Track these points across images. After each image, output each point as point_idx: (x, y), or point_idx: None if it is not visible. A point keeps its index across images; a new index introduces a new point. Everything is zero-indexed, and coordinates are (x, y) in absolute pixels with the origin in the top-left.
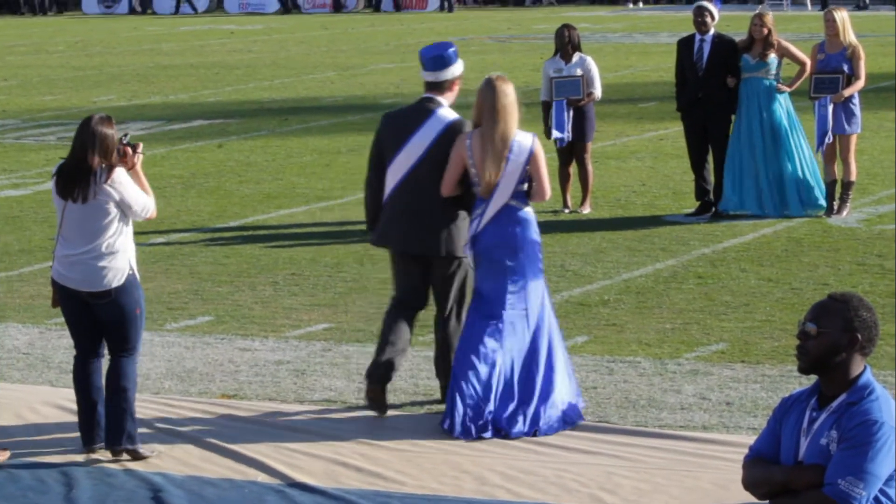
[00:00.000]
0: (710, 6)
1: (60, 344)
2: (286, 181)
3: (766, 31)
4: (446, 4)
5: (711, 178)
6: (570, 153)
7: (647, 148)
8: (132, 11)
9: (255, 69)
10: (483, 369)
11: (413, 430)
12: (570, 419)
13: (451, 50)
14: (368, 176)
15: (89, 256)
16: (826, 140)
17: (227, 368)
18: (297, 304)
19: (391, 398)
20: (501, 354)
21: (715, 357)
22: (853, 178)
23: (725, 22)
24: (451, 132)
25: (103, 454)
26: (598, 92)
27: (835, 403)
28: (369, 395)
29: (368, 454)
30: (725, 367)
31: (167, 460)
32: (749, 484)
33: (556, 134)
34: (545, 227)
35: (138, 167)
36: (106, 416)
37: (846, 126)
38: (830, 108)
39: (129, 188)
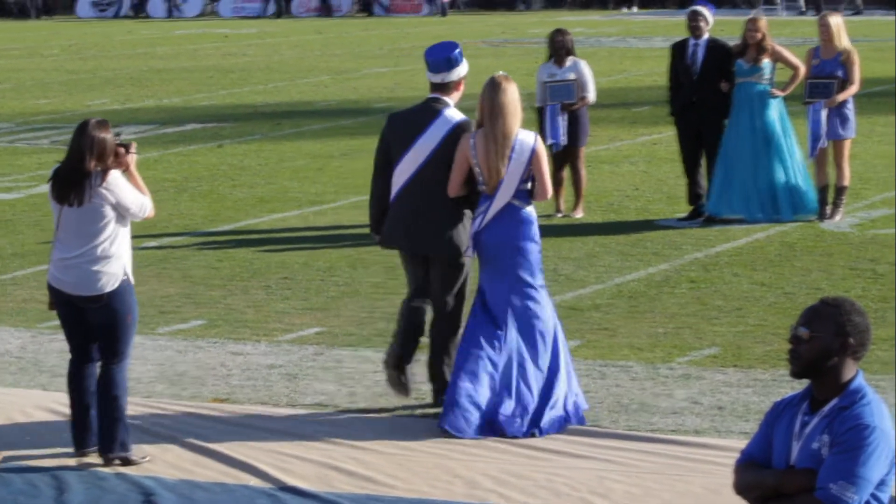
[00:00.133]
0: (705, 11)
1: (52, 348)
2: (279, 185)
3: (759, 35)
4: (437, 8)
5: (705, 182)
6: (564, 157)
7: (640, 152)
8: (116, 15)
9: (248, 73)
10: (483, 368)
11: (405, 433)
12: (571, 421)
13: (457, 51)
14: (374, 177)
15: (83, 260)
16: (820, 145)
17: (219, 372)
18: (290, 307)
19: (382, 402)
20: (503, 354)
21: (707, 361)
22: (846, 182)
23: (719, 26)
24: (458, 132)
25: (95, 458)
26: (591, 96)
27: (827, 408)
28: (388, 380)
29: (360, 458)
30: (717, 371)
31: (159, 464)
32: (740, 488)
33: (549, 139)
34: None
35: (133, 167)
36: (98, 425)
37: (840, 131)
38: (824, 112)
39: (124, 189)
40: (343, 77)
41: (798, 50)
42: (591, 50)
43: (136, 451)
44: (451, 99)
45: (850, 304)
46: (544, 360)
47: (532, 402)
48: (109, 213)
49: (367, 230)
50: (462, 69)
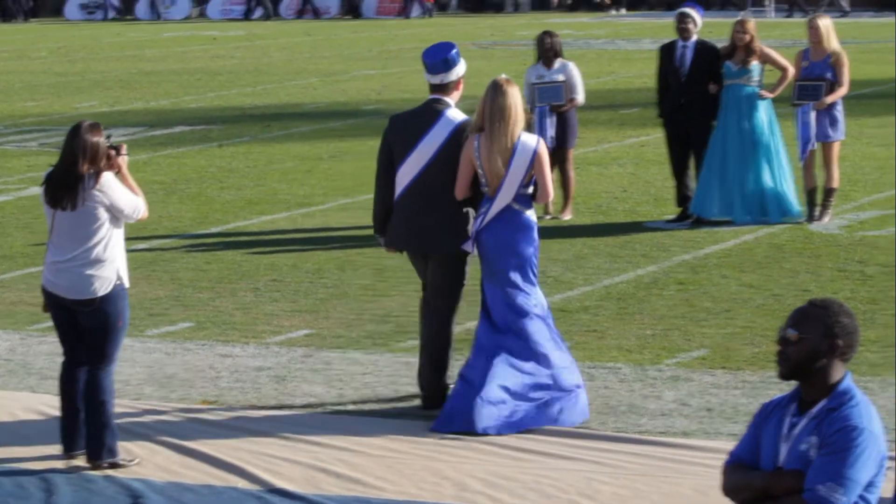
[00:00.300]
0: (693, 12)
1: (41, 350)
2: (268, 187)
3: (748, 37)
4: (412, 10)
5: (693, 184)
6: (552, 159)
7: (628, 154)
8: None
9: (237, 75)
10: (483, 368)
11: (393, 435)
12: (569, 417)
13: (454, 51)
14: (377, 179)
15: (77, 264)
16: (809, 147)
17: (208, 374)
18: (278, 310)
19: (371, 404)
20: (504, 354)
21: (695, 363)
22: (835, 184)
23: (707, 28)
24: (460, 133)
25: (83, 460)
26: (580, 97)
27: (815, 409)
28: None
29: (348, 460)
30: (706, 373)
31: (147, 466)
32: (729, 489)
33: None
34: None
35: (125, 169)
36: (86, 430)
37: (830, 132)
38: (813, 114)
39: (118, 191)
40: (332, 79)
41: (787, 52)
42: (579, 52)
43: (125, 453)
44: (452, 99)
45: (839, 305)
46: (543, 360)
47: (532, 401)
48: (103, 215)
49: (355, 232)
50: (460, 69)
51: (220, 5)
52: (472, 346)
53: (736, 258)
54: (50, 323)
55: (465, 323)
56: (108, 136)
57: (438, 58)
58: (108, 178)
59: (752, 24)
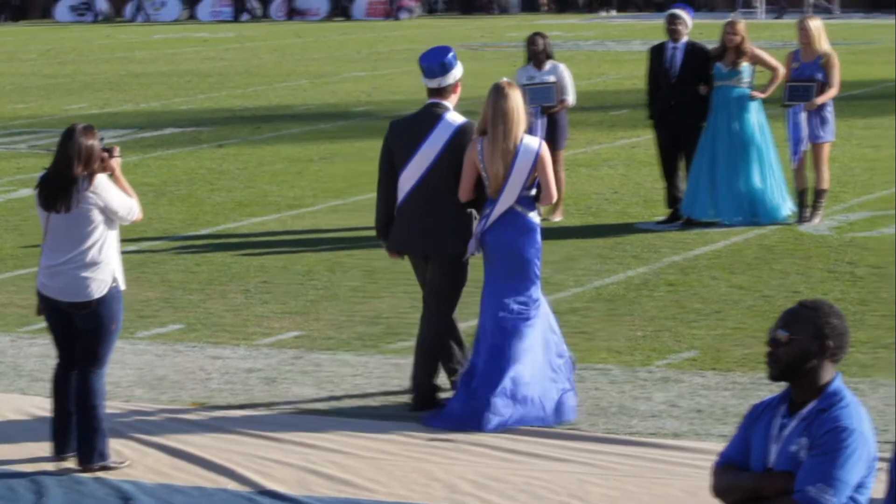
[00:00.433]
0: (683, 14)
1: (31, 352)
2: (258, 189)
3: (738, 39)
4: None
5: (683, 185)
6: None
7: (618, 156)
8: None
9: (227, 77)
10: (483, 368)
11: (384, 437)
12: (562, 417)
13: (451, 55)
14: (379, 183)
15: (71, 266)
16: (801, 148)
17: (198, 376)
18: (268, 311)
19: (361, 406)
20: (503, 355)
21: (686, 364)
22: (825, 185)
23: (698, 30)
24: (460, 136)
25: (74, 462)
26: (571, 98)
27: (805, 410)
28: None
29: (339, 462)
30: (696, 374)
31: (138, 468)
32: (719, 491)
33: None
34: None
35: (118, 171)
36: (77, 434)
37: (820, 134)
38: (803, 116)
39: (111, 193)
40: (322, 81)
41: (777, 53)
42: (569, 53)
43: (115, 455)
44: (450, 102)
45: (829, 306)
46: (542, 359)
47: (531, 401)
48: (97, 217)
49: (345, 234)
50: (457, 71)
51: (210, 7)
52: (472, 346)
53: (726, 259)
54: (41, 325)
55: (465, 323)
56: (101, 139)
57: (435, 62)
58: (101, 180)
59: (742, 25)
